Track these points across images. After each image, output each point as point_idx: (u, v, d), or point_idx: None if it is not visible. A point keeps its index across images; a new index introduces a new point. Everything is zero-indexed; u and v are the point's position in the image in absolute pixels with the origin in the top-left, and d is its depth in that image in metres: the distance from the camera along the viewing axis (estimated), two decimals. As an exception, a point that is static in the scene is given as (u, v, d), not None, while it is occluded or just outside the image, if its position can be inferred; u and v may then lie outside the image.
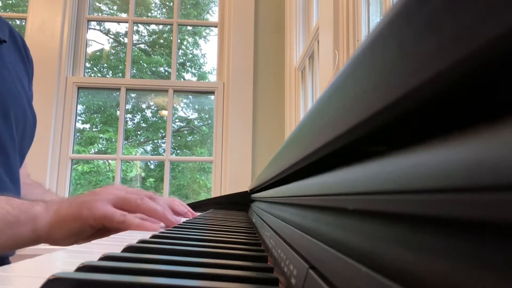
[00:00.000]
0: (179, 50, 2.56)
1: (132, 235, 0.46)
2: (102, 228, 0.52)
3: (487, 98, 0.08)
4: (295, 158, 0.23)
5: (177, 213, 0.61)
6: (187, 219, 0.68)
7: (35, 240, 0.50)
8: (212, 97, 2.20)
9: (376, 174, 0.11)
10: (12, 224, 0.48)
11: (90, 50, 2.49)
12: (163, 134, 2.71)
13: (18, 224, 0.48)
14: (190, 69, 3.05)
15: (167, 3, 2.72)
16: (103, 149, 2.83)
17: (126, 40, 2.42)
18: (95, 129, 2.70)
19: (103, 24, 2.67)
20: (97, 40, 2.65)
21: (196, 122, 2.76)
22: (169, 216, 0.55)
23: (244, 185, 1.68)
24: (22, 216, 0.49)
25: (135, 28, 2.69)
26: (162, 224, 0.52)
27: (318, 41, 1.43)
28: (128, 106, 2.49)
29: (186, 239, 0.38)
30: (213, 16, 2.68)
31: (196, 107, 2.69)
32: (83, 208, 0.50)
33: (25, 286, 0.22)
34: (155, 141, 2.88)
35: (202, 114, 2.70)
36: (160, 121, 2.71)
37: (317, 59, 1.53)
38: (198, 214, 0.83)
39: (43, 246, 2.02)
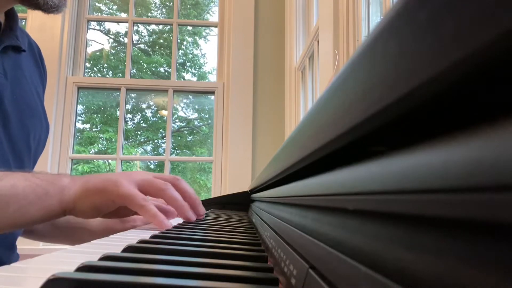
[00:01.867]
0: (179, 50, 2.56)
1: (132, 235, 0.47)
2: (123, 208, 0.53)
3: (487, 98, 0.08)
4: (295, 158, 0.23)
5: (196, 212, 0.61)
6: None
7: (62, 211, 0.51)
8: (212, 97, 2.20)
9: (376, 174, 0.11)
10: (42, 196, 0.48)
11: (90, 50, 2.49)
12: (163, 134, 2.71)
13: (47, 195, 0.49)
14: (190, 69, 3.05)
15: (167, 3, 2.72)
16: (103, 149, 2.83)
17: (126, 40, 2.42)
18: (95, 129, 2.70)
19: (103, 24, 2.67)
20: (97, 40, 2.65)
21: (196, 122, 2.76)
22: (186, 210, 0.56)
23: (244, 185, 1.68)
24: (50, 188, 0.50)
25: (135, 28, 2.69)
26: (170, 224, 0.52)
27: (318, 41, 1.43)
28: (128, 106, 2.49)
29: (186, 239, 0.38)
30: (213, 16, 2.68)
31: (196, 107, 2.69)
32: (109, 184, 0.51)
33: (25, 286, 0.22)
34: (155, 141, 2.88)
35: (202, 114, 2.70)
36: (160, 121, 2.71)
37: (317, 59, 1.53)
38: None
39: (43, 246, 2.01)
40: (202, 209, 0.62)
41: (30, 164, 0.69)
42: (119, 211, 0.56)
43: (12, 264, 0.26)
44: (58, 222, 0.69)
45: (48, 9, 0.68)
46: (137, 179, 0.54)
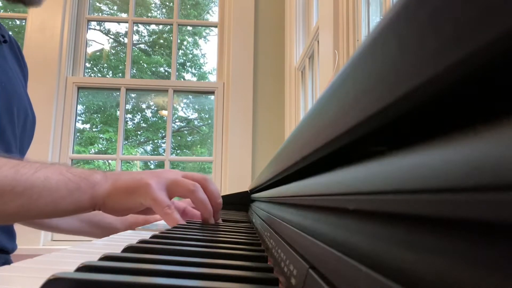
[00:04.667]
0: (179, 50, 2.56)
1: (132, 235, 0.47)
2: (151, 208, 0.54)
3: (487, 98, 0.08)
4: (295, 158, 0.23)
5: (215, 218, 0.62)
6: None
7: (92, 206, 0.53)
8: (212, 97, 2.20)
9: (376, 174, 0.11)
10: (73, 191, 0.50)
11: (90, 50, 2.49)
12: (163, 134, 2.71)
13: (79, 191, 0.50)
14: (190, 69, 3.05)
15: (167, 3, 2.71)
16: (103, 149, 2.83)
17: (126, 40, 2.42)
18: (95, 129, 2.70)
19: (103, 24, 2.67)
20: (97, 40, 2.65)
21: (196, 122, 2.76)
22: (209, 215, 0.57)
23: (244, 185, 1.68)
24: (82, 183, 0.51)
25: (135, 28, 2.69)
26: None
27: (318, 41, 1.42)
28: (128, 106, 2.49)
29: (186, 239, 0.38)
30: (213, 16, 2.68)
31: (196, 107, 2.69)
32: (138, 185, 0.52)
33: (25, 286, 0.22)
34: (155, 141, 2.88)
35: (202, 114, 2.70)
36: (160, 121, 2.71)
37: (317, 59, 1.53)
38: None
39: (43, 246, 2.02)
40: (218, 216, 0.63)
41: (17, 153, 0.69)
42: (146, 210, 0.57)
43: (12, 264, 0.26)
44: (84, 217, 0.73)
45: (31, 3, 0.69)
46: (166, 180, 0.54)
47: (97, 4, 2.48)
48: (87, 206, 0.52)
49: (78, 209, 0.51)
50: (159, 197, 0.52)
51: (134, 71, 2.73)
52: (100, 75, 2.75)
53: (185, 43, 2.94)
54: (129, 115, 2.63)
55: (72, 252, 0.32)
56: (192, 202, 0.57)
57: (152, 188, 0.52)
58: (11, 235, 0.70)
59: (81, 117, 2.50)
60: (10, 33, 0.77)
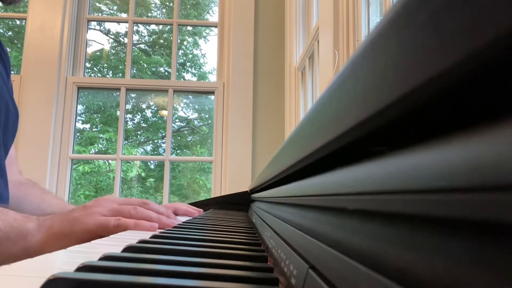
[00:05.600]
0: (179, 50, 2.56)
1: (132, 235, 0.46)
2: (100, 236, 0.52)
3: (487, 98, 0.08)
4: (295, 158, 0.23)
5: (178, 214, 0.60)
6: (187, 219, 0.68)
7: (26, 257, 0.50)
8: (212, 97, 2.20)
9: (376, 174, 0.11)
10: (2, 241, 0.47)
11: (90, 50, 2.49)
12: (163, 134, 2.71)
13: (8, 241, 0.47)
14: (190, 69, 3.05)
15: (167, 3, 2.72)
16: (103, 149, 2.83)
17: (126, 40, 2.42)
18: (95, 129, 2.70)
19: (103, 24, 2.67)
20: (97, 40, 2.65)
21: (196, 122, 2.76)
22: (164, 220, 0.55)
23: (244, 185, 1.68)
24: (12, 233, 0.48)
25: (135, 28, 2.70)
26: (157, 225, 0.52)
27: (318, 41, 1.43)
28: (128, 106, 2.49)
29: (186, 239, 0.38)
30: (213, 16, 2.68)
31: (196, 107, 2.69)
32: (75, 225, 0.50)
33: (25, 286, 0.22)
34: (155, 141, 2.88)
35: (202, 114, 2.70)
36: (160, 121, 2.71)
37: (317, 59, 1.53)
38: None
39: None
40: (173, 217, 0.60)
41: (1, 147, 0.67)
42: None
43: (12, 264, 0.26)
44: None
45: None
46: (102, 211, 0.52)
47: (97, 4, 2.48)
48: (19, 257, 0.47)
49: (7, 260, 0.48)
50: (101, 220, 0.49)
51: (134, 71, 2.74)
52: (100, 75, 2.75)
53: (185, 43, 2.94)
54: (129, 115, 2.63)
55: (72, 252, 0.32)
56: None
57: (89, 221, 0.49)
58: None
59: (81, 117, 2.51)
60: None
